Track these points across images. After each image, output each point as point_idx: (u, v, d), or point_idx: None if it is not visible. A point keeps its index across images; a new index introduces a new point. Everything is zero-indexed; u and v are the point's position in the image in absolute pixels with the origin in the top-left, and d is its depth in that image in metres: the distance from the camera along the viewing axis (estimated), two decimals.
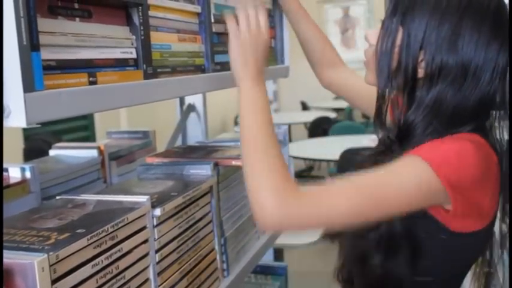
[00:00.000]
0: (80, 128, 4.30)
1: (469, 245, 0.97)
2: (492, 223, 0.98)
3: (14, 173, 1.03)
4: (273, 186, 0.88)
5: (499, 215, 1.00)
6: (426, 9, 0.92)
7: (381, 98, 1.00)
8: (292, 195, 0.87)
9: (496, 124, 0.99)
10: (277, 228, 0.94)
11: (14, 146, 3.39)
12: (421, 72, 0.93)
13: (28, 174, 1.04)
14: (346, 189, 0.89)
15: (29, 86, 0.59)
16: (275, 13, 1.49)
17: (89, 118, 4.27)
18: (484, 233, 0.96)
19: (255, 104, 0.99)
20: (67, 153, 1.29)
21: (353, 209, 0.87)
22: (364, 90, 1.23)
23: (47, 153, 1.31)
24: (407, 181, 0.88)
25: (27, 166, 1.04)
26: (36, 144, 3.49)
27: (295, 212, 0.87)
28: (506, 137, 0.99)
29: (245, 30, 1.03)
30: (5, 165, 1.02)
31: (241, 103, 1.00)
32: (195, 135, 1.67)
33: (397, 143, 0.98)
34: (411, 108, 0.95)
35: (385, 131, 1.03)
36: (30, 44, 0.60)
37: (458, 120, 0.93)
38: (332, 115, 6.63)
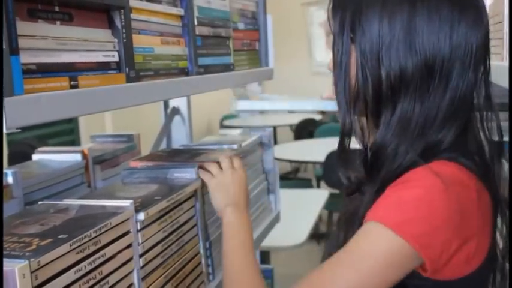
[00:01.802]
0: (65, 132, 4.27)
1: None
2: (490, 259, 0.86)
3: None
4: None
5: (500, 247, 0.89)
6: (373, 13, 0.81)
7: (342, 133, 0.89)
8: None
9: (479, 125, 0.87)
10: None
11: None
12: (383, 90, 0.82)
13: (10, 180, 1.03)
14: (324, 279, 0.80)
15: (8, 90, 0.58)
16: (259, 16, 1.49)
17: (73, 122, 4.24)
18: (478, 273, 0.84)
19: (238, 231, 1.03)
20: (50, 157, 1.28)
21: None
22: None
23: (31, 158, 1.30)
24: (377, 259, 0.77)
25: (9, 171, 1.03)
26: (20, 149, 3.46)
27: None
28: (496, 138, 0.88)
29: (218, 172, 1.11)
30: None
31: (224, 229, 1.04)
32: (179, 138, 1.66)
33: (365, 181, 0.90)
34: (377, 134, 0.85)
35: (348, 171, 0.95)
36: (10, 47, 0.59)
37: (430, 136, 0.82)
38: (317, 117, 6.64)
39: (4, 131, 0.59)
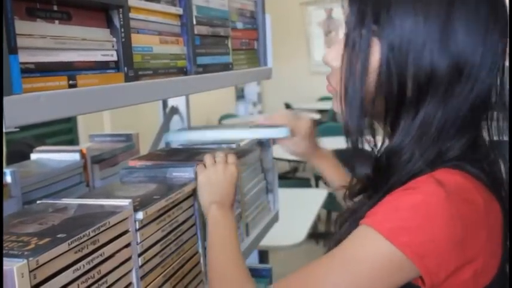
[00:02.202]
0: (63, 132, 4.27)
1: None
2: (499, 278, 0.79)
3: None
4: None
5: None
6: (407, 7, 0.74)
7: (354, 133, 0.82)
8: None
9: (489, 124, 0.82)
10: None
11: None
12: (408, 90, 0.76)
13: (9, 179, 1.03)
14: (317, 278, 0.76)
15: (7, 89, 0.58)
16: (258, 15, 1.49)
17: (72, 121, 4.24)
18: None
19: (224, 227, 1.02)
20: (49, 156, 1.28)
21: None
22: None
23: (29, 157, 1.30)
24: (367, 264, 0.73)
25: (7, 170, 1.03)
26: (18, 148, 3.45)
27: None
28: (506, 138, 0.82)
29: (210, 164, 1.10)
30: None
31: (208, 225, 1.03)
32: None
33: (372, 184, 0.86)
34: (393, 138, 0.80)
35: (365, 168, 0.86)
36: (8, 46, 0.59)
37: (443, 143, 0.78)
38: (316, 116, 6.65)
39: (3, 130, 0.59)
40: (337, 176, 1.28)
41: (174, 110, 1.62)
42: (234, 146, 1.32)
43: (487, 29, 0.74)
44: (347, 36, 0.80)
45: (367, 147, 0.84)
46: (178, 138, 1.32)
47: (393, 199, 0.76)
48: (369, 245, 0.74)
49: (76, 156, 1.26)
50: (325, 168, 1.32)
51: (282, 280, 0.82)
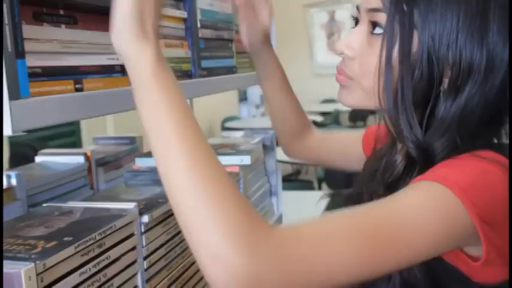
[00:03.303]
0: (66, 134, 4.28)
1: None
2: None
3: None
4: (235, 225, 0.58)
5: None
6: None
7: (395, 120, 0.77)
8: (267, 239, 0.58)
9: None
10: None
11: None
12: (445, 81, 0.75)
13: (14, 181, 1.03)
14: (347, 230, 0.63)
15: (14, 93, 0.59)
16: None
17: (75, 124, 4.25)
18: None
19: (172, 94, 0.64)
20: (53, 159, 1.28)
21: (361, 258, 0.62)
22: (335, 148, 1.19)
23: (32, 159, 1.30)
24: (426, 216, 0.66)
25: (12, 173, 1.03)
26: (22, 150, 3.46)
27: (277, 267, 0.58)
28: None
29: None
30: None
31: (143, 94, 0.64)
32: None
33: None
34: (429, 129, 0.77)
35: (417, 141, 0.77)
36: (15, 51, 0.59)
37: (480, 130, 0.76)
38: (319, 119, 6.64)
39: (10, 133, 0.59)
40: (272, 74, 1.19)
41: None
42: (249, 163, 1.30)
43: None
44: (387, 24, 0.76)
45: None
46: (147, 163, 1.24)
47: (448, 162, 0.73)
48: (431, 196, 0.67)
49: (80, 159, 1.27)
50: (265, 67, 1.18)
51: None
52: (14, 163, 3.26)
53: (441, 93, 0.75)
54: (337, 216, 0.66)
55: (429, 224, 0.66)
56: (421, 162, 0.76)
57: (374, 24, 0.79)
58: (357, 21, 0.85)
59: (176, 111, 0.63)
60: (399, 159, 0.83)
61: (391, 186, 0.80)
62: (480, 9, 0.72)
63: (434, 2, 0.73)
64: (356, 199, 0.89)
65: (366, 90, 0.80)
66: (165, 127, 0.62)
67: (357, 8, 0.83)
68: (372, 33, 0.80)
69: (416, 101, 0.75)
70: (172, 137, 0.62)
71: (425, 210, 0.66)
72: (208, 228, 0.58)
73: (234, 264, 0.56)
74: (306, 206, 3.11)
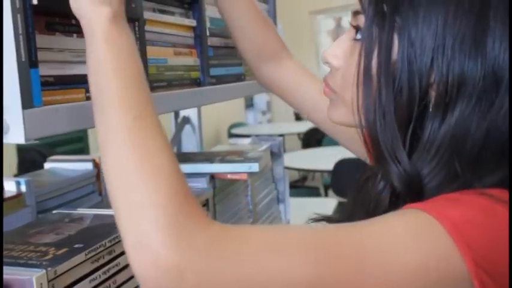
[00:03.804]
0: (74, 140, 4.30)
1: None
2: None
3: (9, 187, 1.03)
4: (168, 210, 0.52)
5: None
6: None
7: (374, 140, 0.65)
8: (202, 233, 0.52)
9: None
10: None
11: (7, 157, 3.38)
12: (432, 96, 0.62)
13: (23, 188, 1.04)
14: (302, 242, 0.54)
15: (27, 102, 0.60)
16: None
17: (82, 130, 4.27)
18: None
19: (122, 55, 0.61)
20: (62, 166, 1.29)
21: (309, 277, 0.52)
22: (318, 99, 0.95)
23: (40, 165, 1.31)
24: (401, 245, 0.54)
25: (22, 179, 1.04)
26: (30, 156, 3.48)
27: (206, 266, 0.50)
28: None
29: None
30: None
31: (91, 50, 0.62)
32: (189, 147, 1.67)
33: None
34: (415, 152, 0.63)
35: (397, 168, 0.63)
36: (29, 60, 0.60)
37: (488, 162, 0.61)
38: None
39: (23, 141, 0.60)
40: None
41: (186, 120, 1.63)
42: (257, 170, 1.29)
43: None
44: (362, 31, 0.66)
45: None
46: None
47: (446, 196, 0.60)
48: (416, 227, 0.55)
49: (89, 166, 1.27)
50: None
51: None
52: (22, 168, 3.28)
53: (428, 110, 0.63)
54: (300, 228, 0.59)
55: (403, 256, 0.54)
56: (407, 194, 0.63)
57: (356, 29, 0.69)
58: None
59: (122, 74, 0.60)
60: (384, 186, 0.68)
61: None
62: (476, 9, 0.59)
63: (416, 2, 0.61)
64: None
65: (348, 104, 0.67)
66: (108, 89, 0.59)
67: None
68: (354, 39, 0.69)
69: (399, 119, 0.63)
70: (113, 102, 0.58)
71: (402, 238, 0.55)
72: (138, 210, 0.53)
73: (158, 254, 0.50)
74: (312, 213, 3.11)
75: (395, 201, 0.65)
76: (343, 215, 0.79)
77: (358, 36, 0.68)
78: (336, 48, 0.73)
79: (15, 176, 1.09)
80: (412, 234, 0.55)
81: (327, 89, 0.75)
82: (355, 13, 0.69)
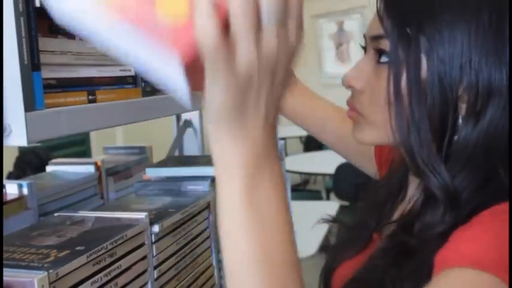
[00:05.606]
0: (76, 143, 4.31)
1: None
2: None
3: (11, 190, 1.03)
4: None
5: None
6: (454, 14, 0.66)
7: (411, 156, 0.69)
8: None
9: None
10: None
11: (6, 158, 3.39)
12: (462, 107, 0.67)
13: (25, 191, 1.04)
14: None
15: (29, 105, 0.60)
16: None
17: (84, 133, 4.28)
18: None
19: (262, 219, 0.53)
20: (64, 169, 1.29)
21: None
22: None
23: (41, 167, 1.32)
24: None
25: (24, 182, 1.04)
26: (31, 159, 3.48)
27: None
28: None
29: (251, 50, 0.48)
30: None
31: (225, 207, 0.56)
32: (191, 150, 1.67)
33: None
34: (450, 161, 0.68)
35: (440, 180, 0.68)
36: (31, 63, 0.60)
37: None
38: None
39: (25, 144, 0.60)
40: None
41: (188, 123, 1.63)
42: None
43: None
44: (389, 54, 0.70)
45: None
46: (158, 173, 1.23)
47: (479, 230, 0.63)
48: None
49: (91, 169, 1.28)
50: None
51: None
52: (21, 170, 3.28)
53: (459, 121, 0.68)
54: None
55: None
56: (445, 202, 0.67)
57: (380, 53, 0.73)
58: (365, 50, 0.78)
59: (267, 264, 0.52)
60: (415, 194, 0.75)
61: (406, 224, 0.73)
62: (494, 26, 0.65)
63: (439, 23, 0.66)
64: (357, 231, 0.89)
65: (378, 125, 0.73)
66: (244, 262, 0.52)
67: (364, 36, 0.78)
68: (378, 62, 0.73)
69: (433, 133, 0.67)
70: (249, 272, 0.52)
71: None
72: None
73: None
74: (314, 216, 3.11)
75: (427, 208, 0.70)
76: (359, 214, 0.90)
77: (384, 59, 0.72)
78: (357, 72, 0.76)
79: (10, 174, 1.09)
80: None
81: (353, 112, 0.78)
82: (376, 37, 0.73)
